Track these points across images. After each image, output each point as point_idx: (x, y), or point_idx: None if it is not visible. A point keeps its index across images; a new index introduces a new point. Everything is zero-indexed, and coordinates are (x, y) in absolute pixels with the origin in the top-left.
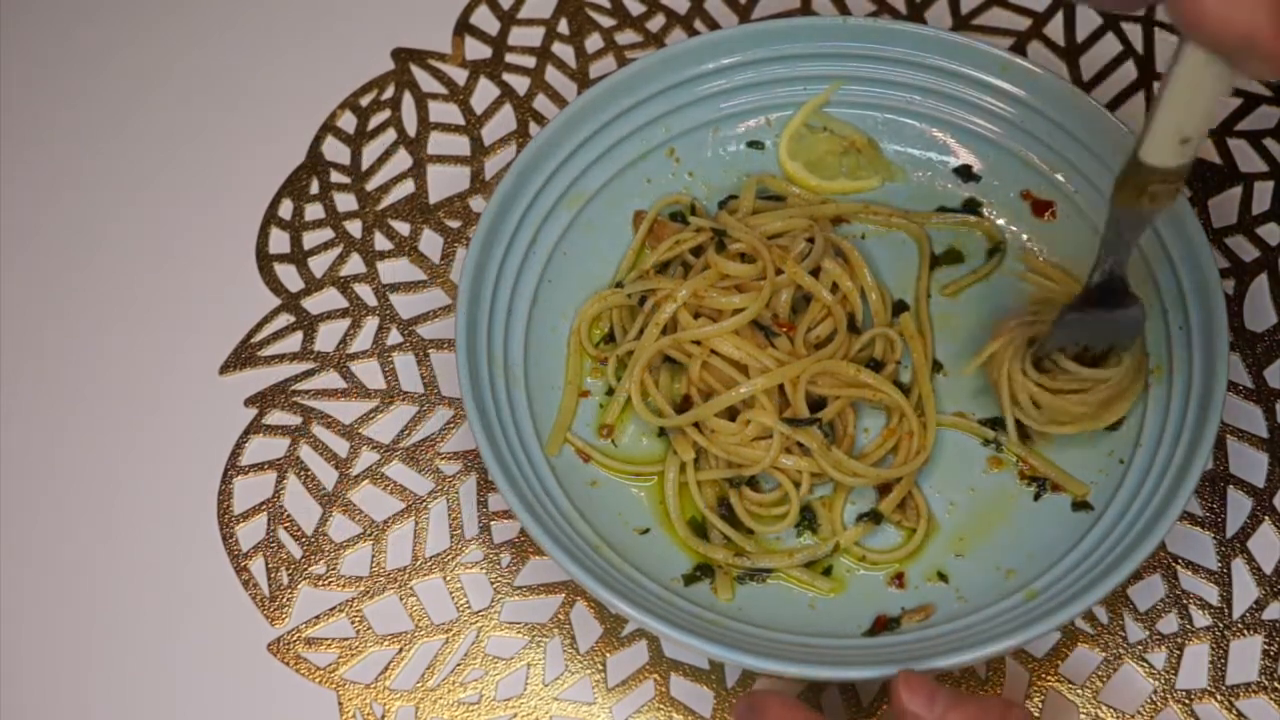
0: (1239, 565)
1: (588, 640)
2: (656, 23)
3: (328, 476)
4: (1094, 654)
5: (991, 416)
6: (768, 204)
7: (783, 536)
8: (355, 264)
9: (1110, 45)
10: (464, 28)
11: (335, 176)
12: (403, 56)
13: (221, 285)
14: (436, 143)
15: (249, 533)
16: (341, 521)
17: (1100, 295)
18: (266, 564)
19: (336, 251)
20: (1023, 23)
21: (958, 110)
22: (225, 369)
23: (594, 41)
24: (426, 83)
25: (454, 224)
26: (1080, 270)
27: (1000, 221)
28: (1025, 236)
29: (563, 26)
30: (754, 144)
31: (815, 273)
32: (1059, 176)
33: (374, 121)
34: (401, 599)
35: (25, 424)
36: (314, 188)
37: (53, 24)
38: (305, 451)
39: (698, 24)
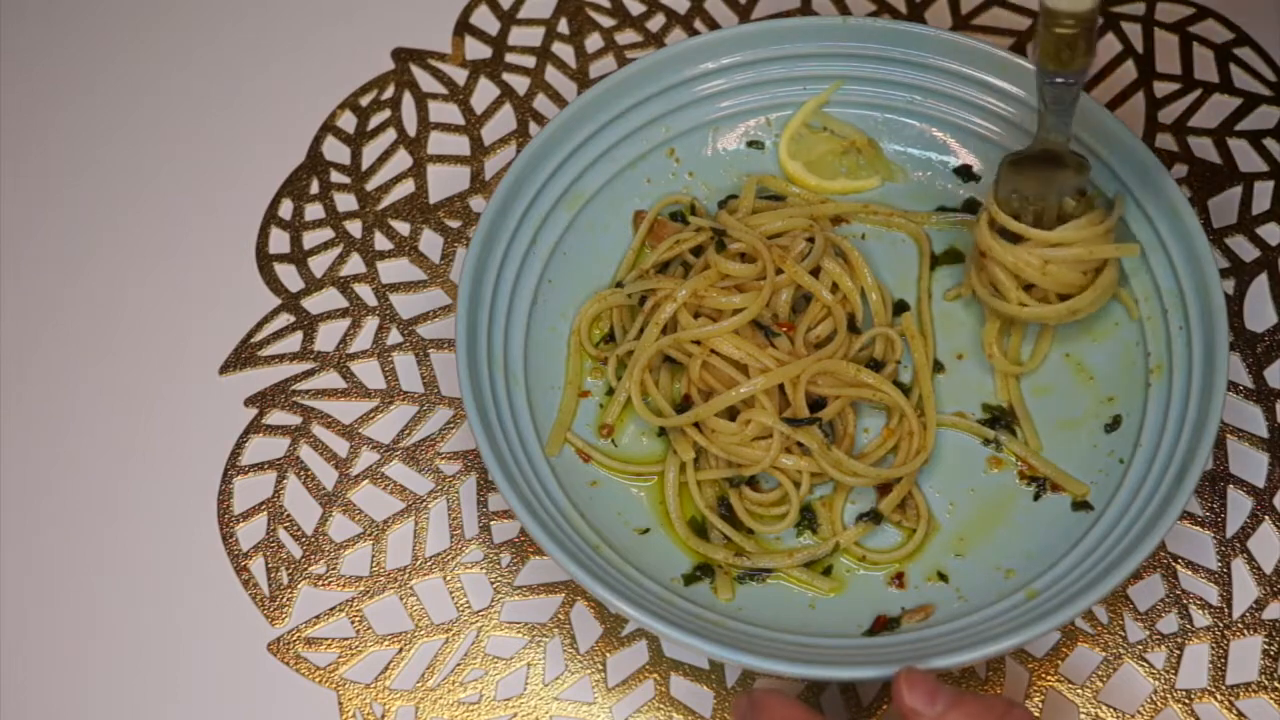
0: (1239, 565)
1: (588, 640)
2: (656, 23)
3: (328, 476)
4: (1094, 654)
5: (991, 417)
6: (768, 204)
7: (783, 536)
8: (355, 264)
9: (1110, 45)
10: (464, 28)
11: (335, 176)
12: (403, 56)
13: (221, 285)
14: (436, 143)
15: (249, 533)
16: (341, 521)
17: (1041, 157)
18: (266, 564)
19: (336, 251)
20: (1023, 23)
21: (958, 110)
22: (225, 369)
23: (594, 41)
24: (426, 83)
25: (454, 224)
26: None
27: None
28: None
29: (563, 26)
30: (754, 144)
31: (815, 272)
32: None
33: (374, 121)
34: (401, 599)
35: (26, 424)
36: (314, 188)
37: (53, 24)
38: (305, 451)
39: (698, 24)
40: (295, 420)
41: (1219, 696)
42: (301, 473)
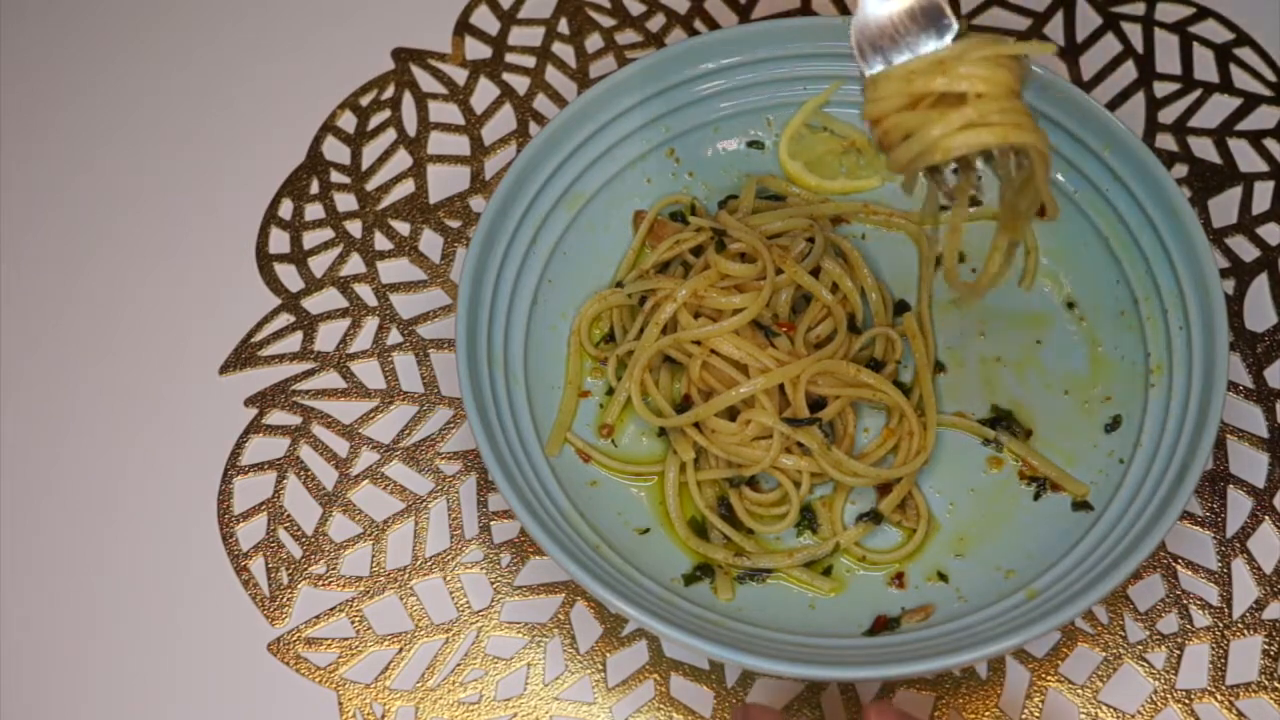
0: (1239, 565)
1: (588, 640)
2: (656, 23)
3: (328, 476)
4: (1094, 654)
5: (990, 417)
6: (768, 204)
7: (783, 536)
8: (355, 264)
9: (1110, 45)
10: (464, 28)
11: (335, 176)
12: (403, 56)
13: (221, 285)
14: (436, 143)
15: (249, 533)
16: (341, 521)
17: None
18: (266, 564)
19: (336, 251)
20: (1023, 23)
21: None
22: (225, 369)
23: (594, 41)
24: (426, 83)
25: (454, 224)
26: None
27: None
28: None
29: (563, 26)
30: (754, 144)
31: (815, 272)
32: (1059, 176)
33: (374, 121)
34: (401, 599)
35: (26, 424)
36: (314, 188)
37: (53, 24)
38: (305, 451)
39: (698, 24)
40: (295, 420)
41: (1219, 696)
42: (301, 473)
